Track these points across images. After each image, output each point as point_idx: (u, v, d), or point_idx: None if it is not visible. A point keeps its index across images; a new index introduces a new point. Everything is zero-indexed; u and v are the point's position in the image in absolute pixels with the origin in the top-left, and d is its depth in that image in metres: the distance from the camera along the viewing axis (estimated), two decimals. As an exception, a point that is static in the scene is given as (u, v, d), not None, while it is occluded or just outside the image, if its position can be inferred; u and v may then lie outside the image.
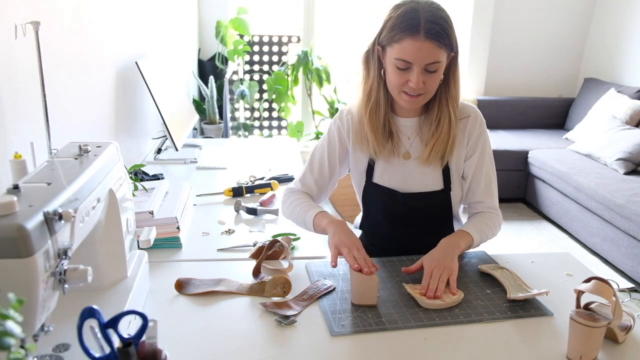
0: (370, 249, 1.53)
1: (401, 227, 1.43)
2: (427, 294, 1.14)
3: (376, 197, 1.42)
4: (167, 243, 1.41)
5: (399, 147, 1.38)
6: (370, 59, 1.31)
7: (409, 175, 1.38)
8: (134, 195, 1.52)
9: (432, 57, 1.20)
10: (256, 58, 4.37)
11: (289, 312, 1.09)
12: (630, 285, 2.77)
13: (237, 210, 1.68)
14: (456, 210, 1.46)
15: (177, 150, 2.16)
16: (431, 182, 1.38)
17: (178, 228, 1.43)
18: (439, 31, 1.18)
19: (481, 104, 4.32)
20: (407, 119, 1.38)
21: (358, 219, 1.57)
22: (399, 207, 1.40)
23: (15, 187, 0.77)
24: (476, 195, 1.40)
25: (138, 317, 0.75)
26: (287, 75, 4.19)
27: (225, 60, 4.09)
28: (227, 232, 1.53)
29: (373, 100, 1.32)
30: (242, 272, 1.27)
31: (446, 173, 1.37)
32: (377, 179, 1.41)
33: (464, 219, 1.53)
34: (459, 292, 1.16)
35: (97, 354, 0.74)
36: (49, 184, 0.82)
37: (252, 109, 4.47)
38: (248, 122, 4.38)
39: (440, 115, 1.32)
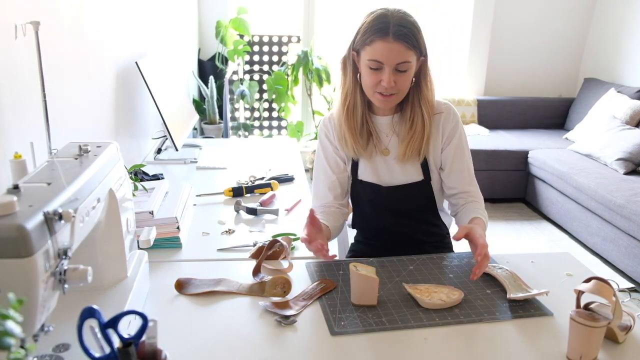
0: (365, 243, 1.59)
1: (389, 219, 1.49)
2: (477, 272, 1.16)
3: (362, 193, 1.49)
4: (167, 243, 1.41)
5: (379, 144, 1.46)
6: (347, 64, 1.41)
7: (390, 169, 1.46)
8: (134, 195, 1.52)
9: (402, 57, 1.30)
10: (256, 58, 4.37)
11: (289, 312, 1.09)
12: (630, 285, 2.77)
13: (237, 210, 1.68)
14: (440, 200, 1.52)
15: (177, 150, 2.16)
16: (411, 174, 1.45)
17: (178, 228, 1.43)
18: (406, 33, 1.29)
19: (481, 104, 4.32)
20: (383, 117, 1.46)
21: (350, 218, 1.60)
22: (384, 200, 1.46)
23: (15, 187, 0.77)
24: (463, 185, 1.46)
25: (138, 317, 0.75)
26: (287, 75, 4.19)
27: (225, 60, 4.09)
28: (227, 232, 1.53)
29: (349, 103, 1.41)
30: (242, 272, 1.27)
31: (425, 166, 1.45)
32: (361, 175, 1.48)
33: (449, 211, 1.56)
34: (458, 292, 1.16)
35: (97, 354, 0.74)
36: (49, 184, 0.82)
37: (252, 109, 4.47)
38: (248, 122, 4.38)
39: (414, 116, 1.41)
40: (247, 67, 4.38)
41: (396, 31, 1.28)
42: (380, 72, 1.32)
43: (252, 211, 1.66)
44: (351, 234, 1.76)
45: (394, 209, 1.48)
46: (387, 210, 1.48)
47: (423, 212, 1.51)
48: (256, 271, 1.24)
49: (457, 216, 1.47)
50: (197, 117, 2.78)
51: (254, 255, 1.32)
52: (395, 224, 1.50)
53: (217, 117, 3.89)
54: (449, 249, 1.57)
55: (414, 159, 1.44)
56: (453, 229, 1.53)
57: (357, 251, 1.59)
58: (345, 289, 1.19)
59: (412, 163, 1.44)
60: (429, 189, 1.47)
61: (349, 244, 1.69)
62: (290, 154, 2.42)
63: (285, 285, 1.18)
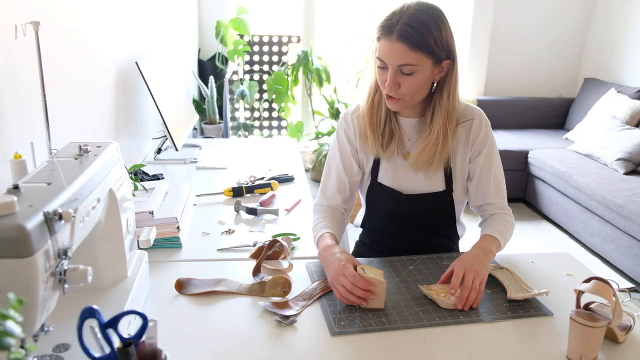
0: (371, 246, 1.53)
1: (404, 227, 1.44)
2: (459, 304, 1.12)
3: (380, 197, 1.42)
4: (167, 243, 1.41)
5: (401, 146, 1.38)
6: (374, 56, 1.30)
7: (411, 175, 1.38)
8: (134, 195, 1.52)
9: (404, 59, 1.19)
10: (256, 58, 4.37)
11: (289, 312, 1.09)
12: (630, 285, 2.77)
13: (237, 210, 1.68)
14: (459, 211, 1.46)
15: (177, 150, 2.16)
16: (434, 183, 1.38)
17: (178, 228, 1.43)
18: (411, 33, 1.17)
19: (481, 104, 4.32)
20: (407, 119, 1.38)
21: (359, 217, 1.57)
22: (402, 208, 1.40)
23: (15, 187, 0.77)
24: (487, 197, 1.39)
25: (138, 317, 0.75)
26: (287, 75, 4.19)
27: (225, 60, 4.09)
28: (227, 232, 1.53)
29: (375, 98, 1.34)
30: (242, 272, 1.27)
31: (448, 175, 1.38)
32: (382, 178, 1.41)
33: (465, 222, 1.53)
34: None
35: (97, 354, 0.74)
36: (49, 184, 0.82)
37: (252, 109, 4.47)
38: (248, 122, 4.38)
39: (433, 123, 1.31)
40: (247, 67, 4.38)
41: (400, 30, 1.17)
42: (386, 72, 1.23)
43: (252, 211, 1.66)
44: (351, 232, 1.75)
45: (410, 218, 1.41)
46: (402, 218, 1.42)
47: (440, 223, 1.45)
48: (256, 271, 1.24)
49: (481, 230, 1.39)
50: (197, 117, 2.78)
51: (254, 255, 1.32)
52: (409, 232, 1.44)
53: (217, 117, 3.89)
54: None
55: (438, 166, 1.35)
56: (464, 241, 1.51)
57: (361, 253, 1.54)
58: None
59: (435, 171, 1.36)
60: (450, 200, 1.39)
61: (349, 243, 1.68)
62: (290, 154, 2.42)
63: (285, 285, 1.18)
